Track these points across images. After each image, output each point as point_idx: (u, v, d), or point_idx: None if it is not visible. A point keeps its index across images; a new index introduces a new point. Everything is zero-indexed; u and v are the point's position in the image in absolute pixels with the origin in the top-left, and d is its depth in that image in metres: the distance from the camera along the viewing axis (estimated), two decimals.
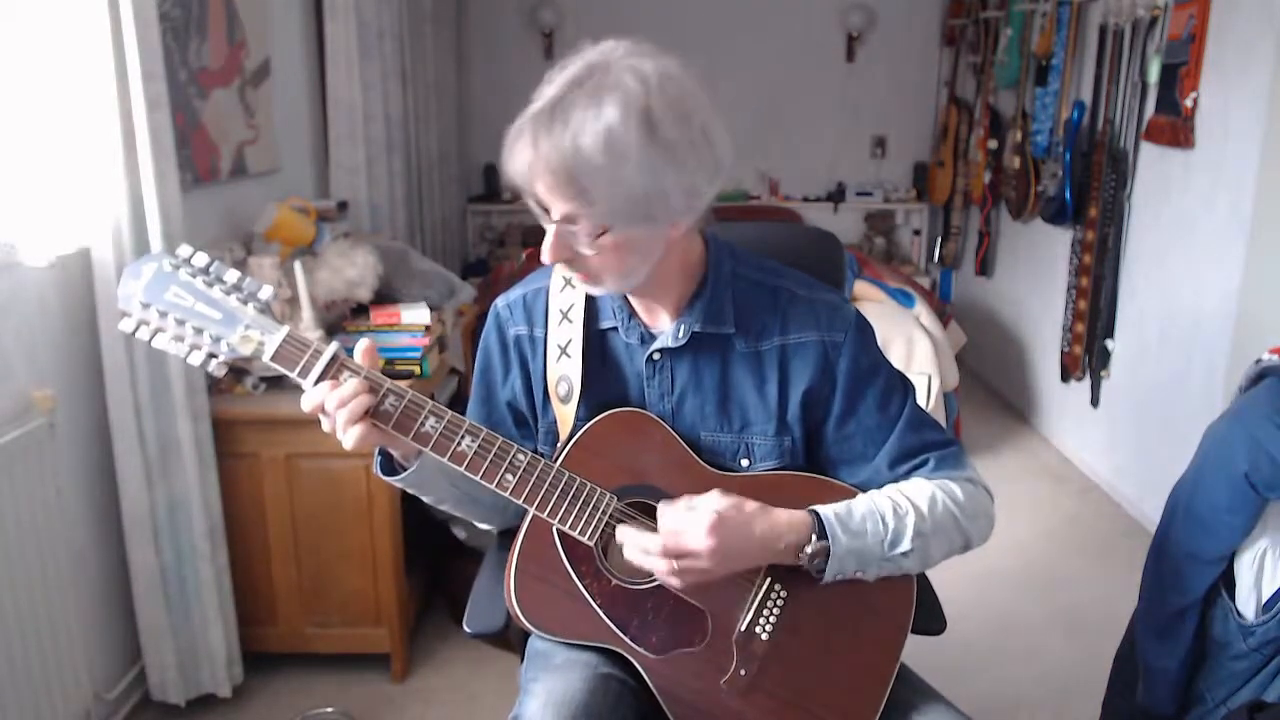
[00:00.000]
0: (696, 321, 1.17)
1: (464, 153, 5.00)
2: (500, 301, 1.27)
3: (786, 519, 1.11)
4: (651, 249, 1.10)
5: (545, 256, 1.08)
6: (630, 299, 1.20)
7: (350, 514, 2.17)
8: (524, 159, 1.02)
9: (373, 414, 1.07)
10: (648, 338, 1.20)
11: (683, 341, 1.17)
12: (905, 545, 1.13)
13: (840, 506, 1.14)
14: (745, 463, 1.20)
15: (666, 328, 1.19)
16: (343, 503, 2.17)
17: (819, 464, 1.23)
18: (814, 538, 1.10)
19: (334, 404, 1.05)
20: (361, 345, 1.12)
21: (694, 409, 1.20)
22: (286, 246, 2.37)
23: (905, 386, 1.23)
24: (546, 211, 1.06)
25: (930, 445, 1.20)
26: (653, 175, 1.01)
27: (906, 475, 1.20)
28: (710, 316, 1.17)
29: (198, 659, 2.09)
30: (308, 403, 1.07)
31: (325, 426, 1.08)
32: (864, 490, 1.20)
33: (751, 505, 1.10)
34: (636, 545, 1.08)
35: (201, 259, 1.07)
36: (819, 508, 1.13)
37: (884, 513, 1.14)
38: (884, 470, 1.20)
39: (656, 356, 1.19)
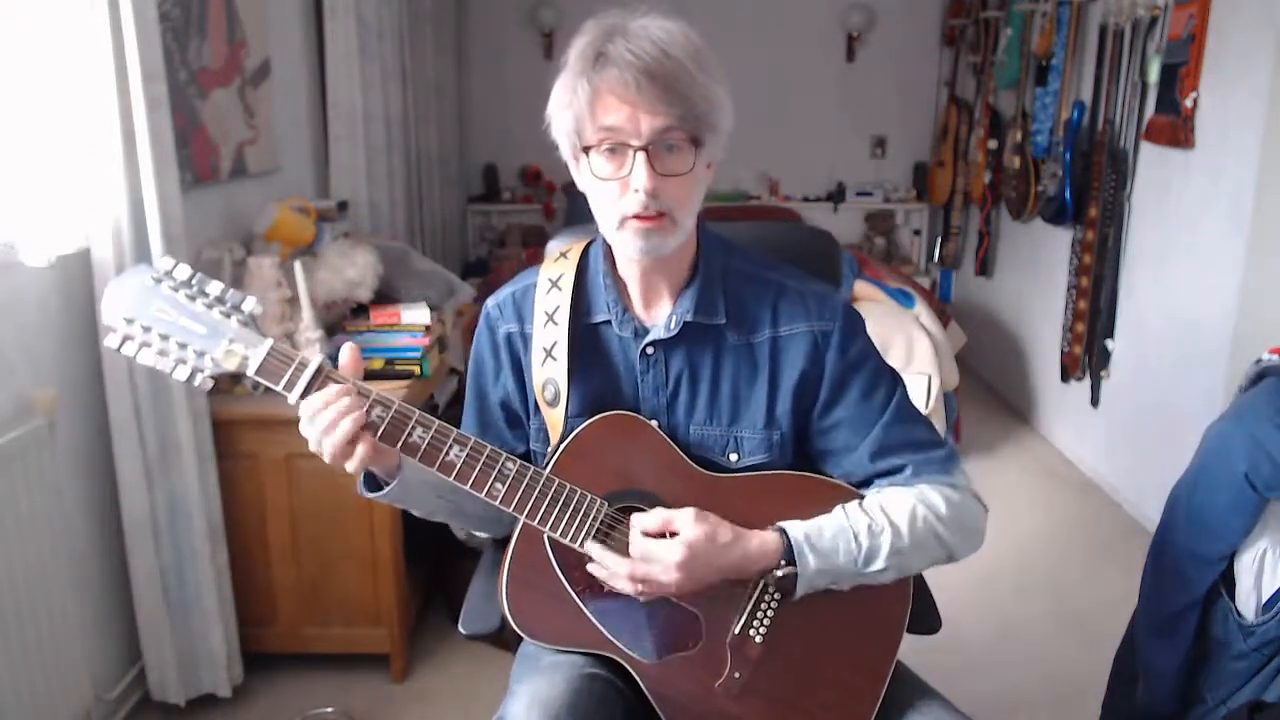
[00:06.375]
0: (688, 312, 1.16)
1: (464, 153, 5.00)
2: (490, 302, 1.27)
3: (757, 544, 1.10)
4: (702, 189, 1.13)
5: (643, 182, 1.05)
6: (629, 288, 1.20)
7: (350, 514, 2.17)
8: (611, 76, 1.03)
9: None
10: (641, 332, 1.19)
11: (674, 332, 1.16)
12: (879, 564, 1.12)
13: (811, 526, 1.12)
14: (734, 457, 1.19)
15: (660, 321, 1.18)
16: (343, 503, 2.16)
17: (807, 459, 1.23)
18: (782, 562, 1.10)
19: (332, 413, 1.03)
20: (345, 354, 1.10)
21: (686, 402, 1.19)
22: (286, 246, 2.37)
23: (894, 380, 1.21)
24: (620, 146, 1.06)
25: (918, 444, 1.18)
26: (720, 85, 1.08)
27: (887, 474, 1.18)
28: (702, 307, 1.17)
29: (198, 659, 2.09)
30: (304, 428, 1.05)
31: (312, 446, 1.06)
32: (848, 481, 1.20)
33: (725, 535, 1.09)
34: (604, 566, 1.10)
35: (184, 272, 1.05)
36: (789, 528, 1.11)
37: (858, 531, 1.12)
38: (865, 462, 1.18)
39: (650, 350, 1.18)
